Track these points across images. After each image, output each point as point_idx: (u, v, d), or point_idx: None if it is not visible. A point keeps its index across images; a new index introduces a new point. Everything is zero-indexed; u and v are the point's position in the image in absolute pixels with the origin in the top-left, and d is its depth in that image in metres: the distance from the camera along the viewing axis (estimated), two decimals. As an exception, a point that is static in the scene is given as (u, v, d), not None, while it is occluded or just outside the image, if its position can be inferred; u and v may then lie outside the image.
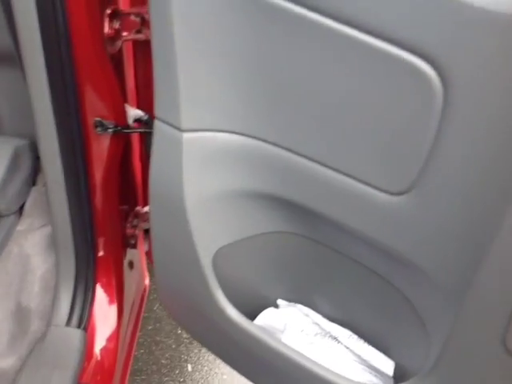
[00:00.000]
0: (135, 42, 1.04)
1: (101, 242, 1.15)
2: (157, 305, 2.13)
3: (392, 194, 0.81)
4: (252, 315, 1.09)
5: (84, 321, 1.18)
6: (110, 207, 1.13)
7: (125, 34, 0.96)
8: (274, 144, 0.87)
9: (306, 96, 0.80)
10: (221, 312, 1.00)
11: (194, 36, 0.78)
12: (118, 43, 0.97)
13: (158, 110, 0.86)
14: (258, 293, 1.13)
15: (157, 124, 0.88)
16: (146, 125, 1.08)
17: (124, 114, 1.02)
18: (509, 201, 0.69)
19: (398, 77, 0.69)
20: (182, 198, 0.92)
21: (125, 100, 1.06)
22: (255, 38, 0.77)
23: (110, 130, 0.99)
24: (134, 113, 1.05)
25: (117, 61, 1.00)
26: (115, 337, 1.23)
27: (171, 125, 0.86)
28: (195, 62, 0.81)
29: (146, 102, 1.10)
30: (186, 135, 0.86)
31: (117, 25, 0.94)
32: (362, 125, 0.78)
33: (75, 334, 1.16)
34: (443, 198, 0.77)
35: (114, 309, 1.24)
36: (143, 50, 1.03)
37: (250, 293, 1.13)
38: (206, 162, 0.91)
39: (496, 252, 0.73)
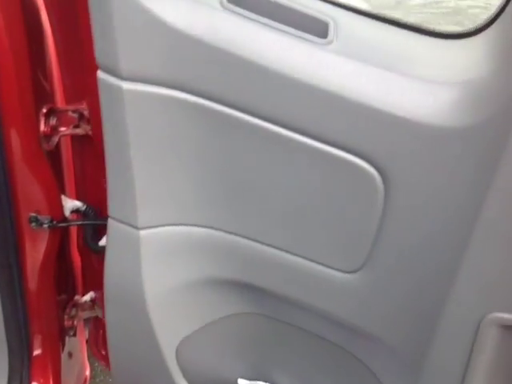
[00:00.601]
0: (73, 135, 1.04)
1: (37, 339, 1.09)
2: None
3: (346, 272, 0.86)
4: None
5: None
6: (46, 302, 1.08)
7: (62, 129, 0.96)
8: (232, 233, 0.90)
9: (260, 191, 0.84)
10: None
11: (148, 140, 0.80)
12: (55, 139, 0.96)
13: (112, 209, 0.87)
14: (220, 374, 1.11)
15: (111, 223, 0.88)
16: (85, 215, 1.06)
17: (60, 206, 1.00)
18: (451, 274, 0.77)
19: (344, 175, 0.77)
20: (142, 295, 0.91)
21: (63, 191, 1.04)
22: (206, 140, 0.80)
23: (46, 225, 0.96)
24: (71, 204, 1.03)
25: (54, 154, 0.99)
26: None
27: (127, 223, 0.86)
28: (150, 163, 0.82)
29: (84, 192, 1.08)
30: (142, 232, 0.87)
31: (54, 121, 0.94)
32: (314, 215, 0.84)
33: None
34: (393, 273, 0.84)
35: (50, 408, 1.16)
36: (81, 142, 1.02)
37: (213, 375, 1.11)
38: (165, 256, 0.92)
39: (446, 322, 0.80)
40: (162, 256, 0.91)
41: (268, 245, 0.88)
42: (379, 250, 0.82)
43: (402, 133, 0.71)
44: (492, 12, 0.81)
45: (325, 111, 0.72)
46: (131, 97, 0.74)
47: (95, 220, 1.07)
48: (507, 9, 0.75)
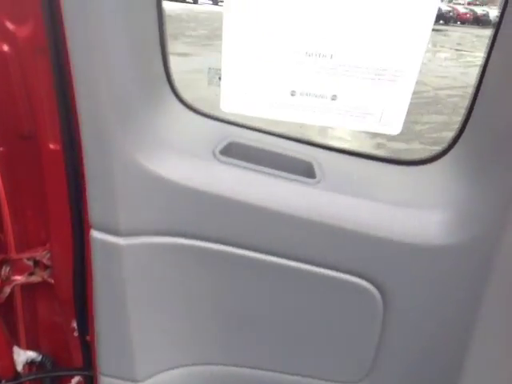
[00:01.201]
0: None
1: None
2: None
3: (350, 383, 0.89)
4: None
5: None
6: None
7: (16, 278, 0.90)
8: (233, 365, 0.89)
9: (259, 320, 0.85)
10: None
11: (145, 290, 0.80)
12: (7, 290, 0.89)
13: (106, 366, 0.84)
14: None
15: (104, 380, 0.84)
16: (41, 367, 0.96)
17: (12, 362, 0.91)
18: (454, 369, 0.82)
19: (343, 293, 0.81)
20: None
21: (16, 341, 0.95)
22: (203, 279, 0.81)
23: (-8, 388, 0.87)
24: (24, 357, 0.94)
25: (5, 305, 0.92)
26: None
27: (123, 378, 0.84)
28: (147, 313, 0.81)
29: (38, 341, 1.00)
30: None
31: (6, 271, 0.88)
32: (315, 335, 0.86)
33: None
34: (397, 377, 0.88)
35: None
36: (34, 289, 0.95)
37: None
38: None
39: None
40: None
41: (271, 370, 0.89)
42: (382, 358, 0.86)
43: (395, 253, 0.77)
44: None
45: (325, 241, 0.78)
46: (129, 251, 0.75)
47: (52, 371, 0.97)
48: (466, 130, 0.80)
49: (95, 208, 0.73)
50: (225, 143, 0.82)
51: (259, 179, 0.78)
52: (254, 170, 0.79)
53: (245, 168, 0.79)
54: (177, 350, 0.87)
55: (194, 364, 0.89)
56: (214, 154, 0.79)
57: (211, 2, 19.91)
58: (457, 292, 0.79)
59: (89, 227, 0.76)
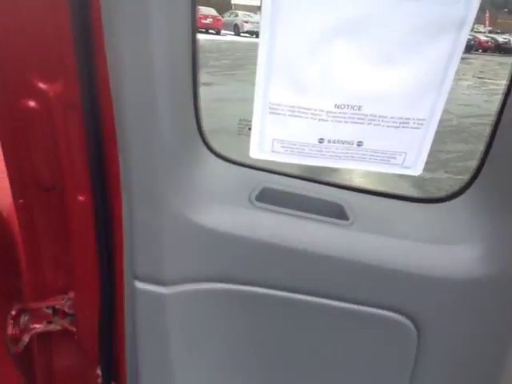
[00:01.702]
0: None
1: None
2: None
3: None
4: None
5: None
6: None
7: (36, 326, 0.87)
8: None
9: (298, 360, 0.86)
10: None
11: (188, 336, 0.82)
12: (25, 338, 0.87)
13: None
14: None
15: None
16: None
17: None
18: None
19: (379, 328, 0.83)
20: None
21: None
22: (247, 322, 0.83)
23: None
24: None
25: (24, 353, 0.89)
26: None
27: None
28: (189, 359, 0.83)
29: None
30: None
31: (25, 319, 0.85)
32: (353, 372, 0.88)
33: None
34: None
35: None
36: (49, 338, 0.93)
37: None
38: None
39: None
40: None
41: None
42: None
43: (428, 288, 0.80)
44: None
45: (362, 279, 0.80)
46: (172, 299, 0.78)
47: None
48: (487, 163, 0.82)
49: (140, 259, 0.76)
50: (259, 189, 0.85)
51: (295, 223, 0.80)
52: (290, 215, 0.81)
53: (280, 213, 0.81)
54: None
55: None
56: (251, 201, 0.82)
57: (233, 33, 20.35)
58: (490, 324, 0.80)
59: (121, 277, 0.78)
